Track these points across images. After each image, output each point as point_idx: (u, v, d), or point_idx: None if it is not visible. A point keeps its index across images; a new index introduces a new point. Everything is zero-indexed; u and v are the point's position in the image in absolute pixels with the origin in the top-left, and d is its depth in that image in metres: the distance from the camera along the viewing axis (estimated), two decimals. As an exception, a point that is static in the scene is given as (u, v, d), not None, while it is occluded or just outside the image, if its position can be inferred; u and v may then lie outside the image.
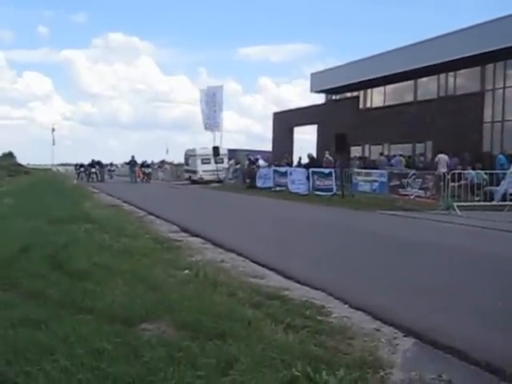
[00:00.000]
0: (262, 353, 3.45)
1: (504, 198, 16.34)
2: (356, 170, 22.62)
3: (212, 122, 40.87)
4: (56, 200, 16.17)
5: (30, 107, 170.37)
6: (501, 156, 20.63)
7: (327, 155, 25.60)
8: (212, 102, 40.52)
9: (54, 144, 66.60)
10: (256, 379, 3.03)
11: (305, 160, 29.82)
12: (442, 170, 19.11)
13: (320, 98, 40.28)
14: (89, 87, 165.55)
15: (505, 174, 17.27)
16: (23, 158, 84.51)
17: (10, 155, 68.55)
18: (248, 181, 29.04)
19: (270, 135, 45.45)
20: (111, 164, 50.18)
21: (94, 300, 4.63)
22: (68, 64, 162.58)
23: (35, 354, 3.34)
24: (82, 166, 44.69)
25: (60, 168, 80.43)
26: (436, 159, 22.11)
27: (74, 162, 73.38)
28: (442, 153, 21.96)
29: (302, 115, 39.82)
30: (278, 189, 25.02)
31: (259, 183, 27.28)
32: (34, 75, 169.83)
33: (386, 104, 33.09)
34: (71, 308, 4.45)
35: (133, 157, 40.95)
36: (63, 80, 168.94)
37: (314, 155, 29.46)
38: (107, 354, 3.36)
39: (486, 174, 17.77)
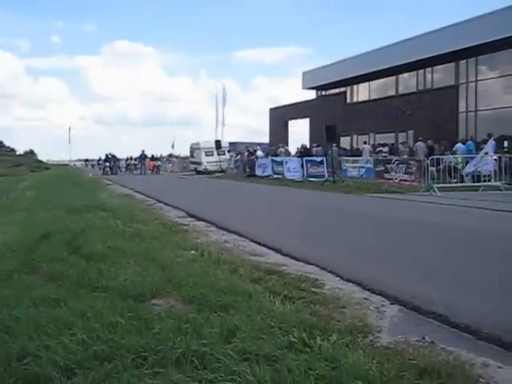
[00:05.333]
0: (261, 322, 3.41)
1: (479, 179, 16.31)
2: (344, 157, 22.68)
3: (219, 118, 41.47)
4: (74, 192, 16.11)
5: (47, 109, 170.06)
6: (470, 142, 20.60)
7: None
8: (222, 100, 41.55)
9: (70, 142, 66.50)
10: (256, 345, 2.99)
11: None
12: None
13: (311, 94, 40.15)
14: (100, 90, 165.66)
15: (474, 157, 17.23)
16: (43, 155, 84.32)
17: (31, 153, 68.82)
18: (248, 170, 28.99)
19: (266, 129, 45.34)
20: (130, 158, 44.68)
21: (109, 279, 4.60)
22: (80, 69, 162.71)
23: (55, 329, 3.30)
24: (99, 160, 44.45)
25: (77, 163, 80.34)
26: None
27: (90, 157, 73.53)
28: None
29: (296, 110, 39.69)
30: (275, 176, 24.97)
31: (259, 172, 27.22)
32: (50, 80, 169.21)
33: (371, 98, 32.98)
34: (88, 287, 4.42)
35: (143, 151, 40.83)
36: (77, 84, 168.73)
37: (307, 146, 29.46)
38: (121, 327, 3.32)
39: (460, 158, 17.79)
